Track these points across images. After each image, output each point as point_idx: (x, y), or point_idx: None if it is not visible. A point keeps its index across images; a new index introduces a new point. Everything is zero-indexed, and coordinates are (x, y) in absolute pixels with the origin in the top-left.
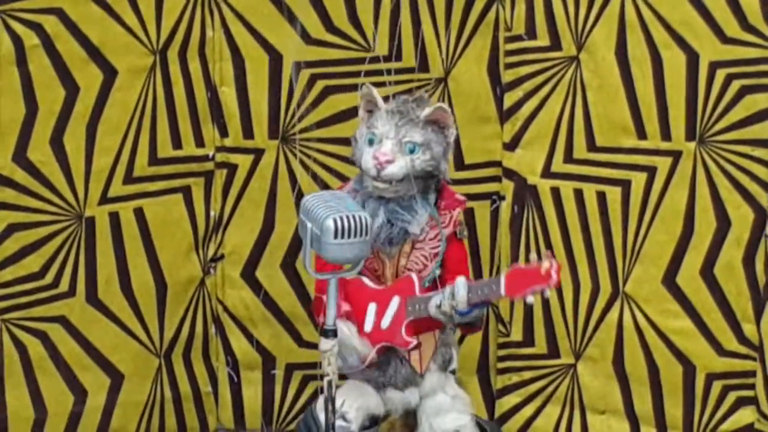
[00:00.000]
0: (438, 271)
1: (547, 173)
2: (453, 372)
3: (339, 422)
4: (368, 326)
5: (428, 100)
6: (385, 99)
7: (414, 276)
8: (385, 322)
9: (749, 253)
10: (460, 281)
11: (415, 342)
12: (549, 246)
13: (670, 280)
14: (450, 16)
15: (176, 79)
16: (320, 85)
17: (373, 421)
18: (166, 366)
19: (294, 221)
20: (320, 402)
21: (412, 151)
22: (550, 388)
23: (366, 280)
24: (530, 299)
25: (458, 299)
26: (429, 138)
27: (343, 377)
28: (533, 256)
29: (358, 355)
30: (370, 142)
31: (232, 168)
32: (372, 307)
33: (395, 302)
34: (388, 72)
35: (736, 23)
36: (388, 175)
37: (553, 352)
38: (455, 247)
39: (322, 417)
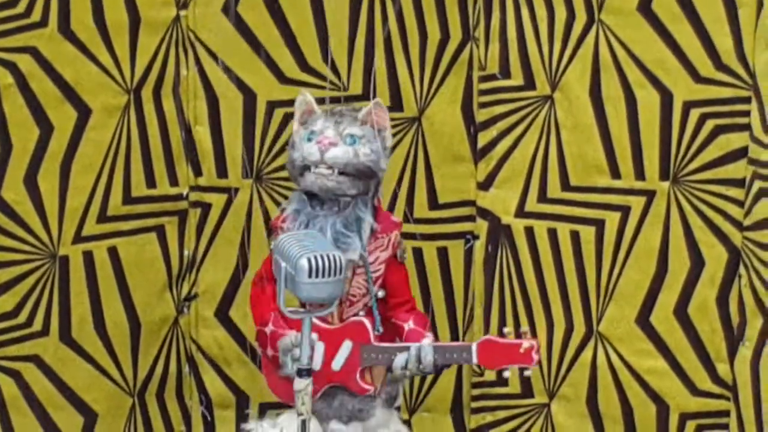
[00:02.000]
0: (381, 293)
1: (521, 212)
2: (398, 408)
3: None
4: (316, 365)
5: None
6: None
7: (367, 322)
8: (337, 365)
9: (723, 293)
10: (427, 345)
11: (372, 389)
12: (522, 285)
13: (644, 319)
14: (424, 55)
15: (150, 118)
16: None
17: None
18: (139, 405)
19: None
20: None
21: (352, 144)
22: (525, 428)
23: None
24: (507, 373)
25: (425, 364)
26: (367, 133)
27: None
28: (508, 329)
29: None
30: (309, 139)
31: (206, 207)
32: (320, 346)
33: (347, 346)
34: None
35: (710, 63)
36: (331, 158)
37: (527, 391)
38: (396, 271)
39: None
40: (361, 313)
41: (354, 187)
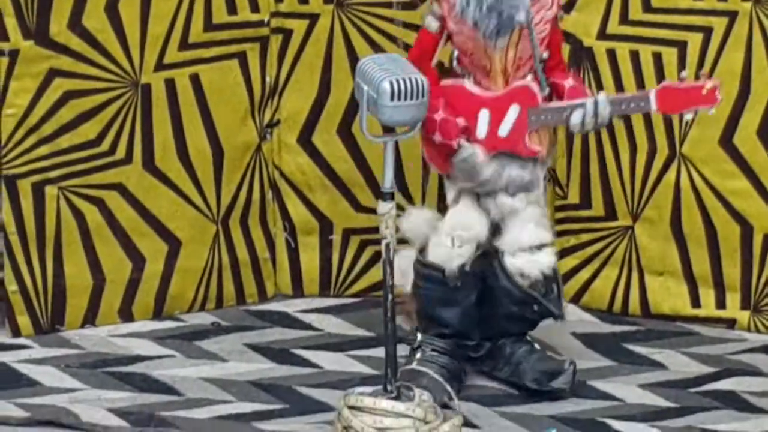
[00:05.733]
0: (545, 54)
1: (602, 35)
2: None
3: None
4: (482, 133)
5: None
6: None
7: (533, 85)
8: (504, 131)
9: None
10: (603, 98)
11: (541, 150)
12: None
13: (727, 140)
14: None
15: None
16: None
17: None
18: (223, 232)
19: (350, 87)
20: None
21: None
22: (608, 251)
23: (472, 87)
24: (689, 116)
25: (602, 118)
26: None
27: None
28: (685, 73)
29: (480, 176)
30: None
31: (288, 33)
32: (484, 114)
33: (514, 111)
34: None
35: None
36: None
37: (611, 214)
38: (556, 31)
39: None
40: (529, 76)
41: None
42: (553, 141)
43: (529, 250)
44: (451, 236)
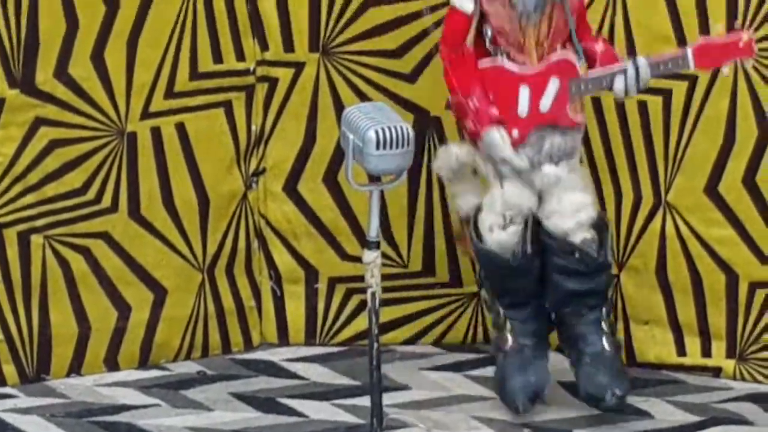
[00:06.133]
0: (573, 25)
1: None
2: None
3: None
4: (523, 110)
5: None
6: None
7: (572, 56)
8: (545, 105)
9: None
10: (642, 61)
11: (582, 119)
12: (590, 153)
13: (712, 189)
14: None
15: None
16: None
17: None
18: (209, 280)
19: (335, 134)
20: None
21: None
22: None
23: (511, 66)
24: (725, 70)
25: (644, 82)
26: None
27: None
28: (717, 27)
29: (510, 167)
30: None
31: (273, 82)
32: (525, 91)
33: (554, 84)
34: None
35: None
36: None
37: None
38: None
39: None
40: (559, 48)
41: None
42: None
43: (571, 214)
44: (503, 215)
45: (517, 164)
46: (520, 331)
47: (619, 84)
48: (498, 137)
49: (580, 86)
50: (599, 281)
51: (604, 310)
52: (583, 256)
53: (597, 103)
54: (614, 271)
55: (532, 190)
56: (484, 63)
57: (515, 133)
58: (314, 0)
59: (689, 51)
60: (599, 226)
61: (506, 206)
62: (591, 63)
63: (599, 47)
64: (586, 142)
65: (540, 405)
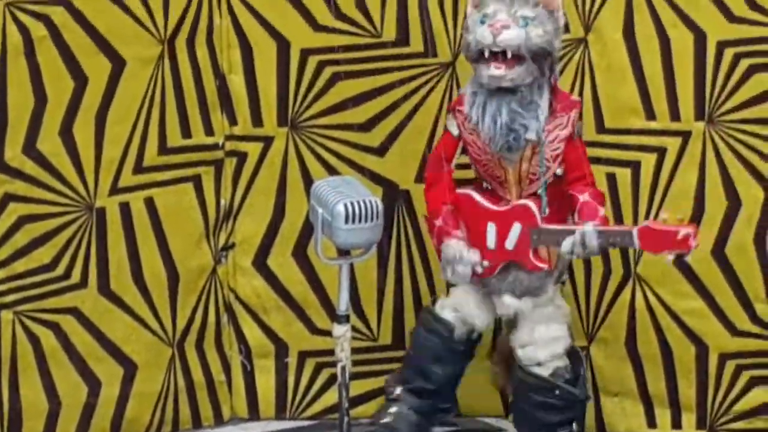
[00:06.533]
0: (559, 171)
1: None
2: (563, 283)
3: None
4: (491, 244)
5: None
6: (393, 85)
7: (533, 206)
8: (510, 244)
9: (760, 233)
10: (590, 231)
11: (546, 266)
12: None
13: (681, 261)
14: (457, 2)
15: (184, 68)
16: (328, 71)
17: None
18: (179, 355)
19: (304, 209)
20: (439, 303)
21: (525, 26)
22: None
23: (480, 199)
24: (669, 258)
25: (590, 249)
26: (540, 14)
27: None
28: (664, 215)
29: (467, 265)
30: (482, 22)
31: (242, 156)
32: (492, 227)
33: (517, 228)
34: (396, 57)
35: (743, 2)
36: (504, 40)
37: None
38: (573, 147)
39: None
40: (540, 191)
41: (529, 74)
42: None
43: (544, 345)
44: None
45: (471, 260)
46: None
47: (566, 245)
48: (455, 243)
49: (539, 236)
50: (576, 412)
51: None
52: (563, 393)
53: None
54: (584, 343)
55: (489, 309)
56: (462, 189)
57: (485, 262)
58: (282, 74)
59: (634, 231)
60: (574, 358)
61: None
62: (573, 210)
63: (583, 197)
64: None
65: None
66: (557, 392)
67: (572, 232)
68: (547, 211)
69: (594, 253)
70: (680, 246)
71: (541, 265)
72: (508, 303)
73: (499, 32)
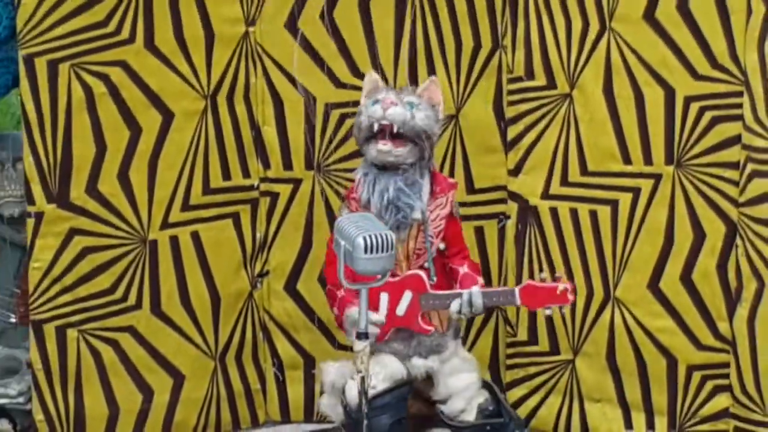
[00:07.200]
0: (442, 246)
1: (546, 195)
2: (463, 338)
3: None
4: (382, 314)
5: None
6: None
7: (422, 274)
8: (401, 311)
9: (722, 261)
10: (476, 291)
11: (432, 329)
12: (549, 257)
13: (654, 285)
14: (460, 61)
15: (225, 120)
16: (348, 122)
17: (399, 383)
18: (221, 367)
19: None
20: (349, 384)
21: (410, 108)
22: (552, 381)
23: None
24: (548, 312)
25: (476, 307)
26: (424, 103)
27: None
28: (544, 275)
29: (373, 326)
30: (374, 104)
31: (275, 196)
32: (384, 297)
33: (407, 296)
34: None
35: (707, 63)
36: (392, 114)
37: (554, 349)
38: (453, 225)
39: (348, 395)
40: (427, 264)
41: (411, 155)
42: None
43: (459, 393)
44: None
45: (375, 319)
46: None
47: (455, 306)
48: (357, 308)
49: (429, 301)
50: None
51: None
52: (494, 427)
53: (554, 212)
54: (570, 357)
55: (401, 366)
56: (349, 284)
57: (377, 329)
58: (309, 126)
59: (516, 290)
60: (489, 390)
61: (371, 370)
62: (455, 281)
63: (463, 269)
64: (547, 244)
65: None
66: (488, 428)
67: (459, 295)
68: (435, 279)
69: (479, 312)
70: (560, 300)
71: (428, 327)
72: (418, 364)
73: (389, 107)
